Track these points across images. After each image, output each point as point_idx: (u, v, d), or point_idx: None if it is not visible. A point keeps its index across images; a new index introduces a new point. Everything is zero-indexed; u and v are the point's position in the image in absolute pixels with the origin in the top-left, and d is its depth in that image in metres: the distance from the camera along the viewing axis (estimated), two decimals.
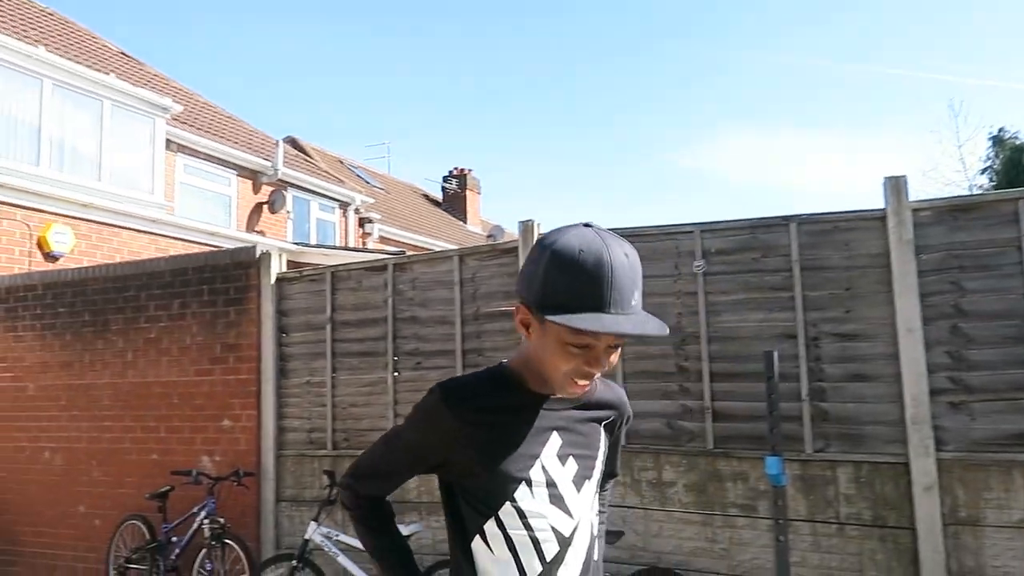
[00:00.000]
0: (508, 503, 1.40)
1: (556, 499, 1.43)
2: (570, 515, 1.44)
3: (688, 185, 46.76)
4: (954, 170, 24.78)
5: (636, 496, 4.65)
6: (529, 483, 1.40)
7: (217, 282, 6.07)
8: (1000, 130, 18.65)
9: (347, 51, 51.04)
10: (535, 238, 5.02)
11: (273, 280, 5.89)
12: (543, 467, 1.42)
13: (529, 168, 49.60)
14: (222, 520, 5.30)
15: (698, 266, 4.60)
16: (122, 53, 13.92)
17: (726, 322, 4.54)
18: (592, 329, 1.26)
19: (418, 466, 1.50)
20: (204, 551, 5.28)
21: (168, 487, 5.70)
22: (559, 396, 1.44)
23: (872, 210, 4.31)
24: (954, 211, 4.16)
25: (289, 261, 6.27)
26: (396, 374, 5.42)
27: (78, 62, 10.26)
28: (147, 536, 5.73)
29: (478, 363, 5.18)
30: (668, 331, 1.31)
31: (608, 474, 1.65)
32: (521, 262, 5.03)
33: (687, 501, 4.53)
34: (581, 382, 1.37)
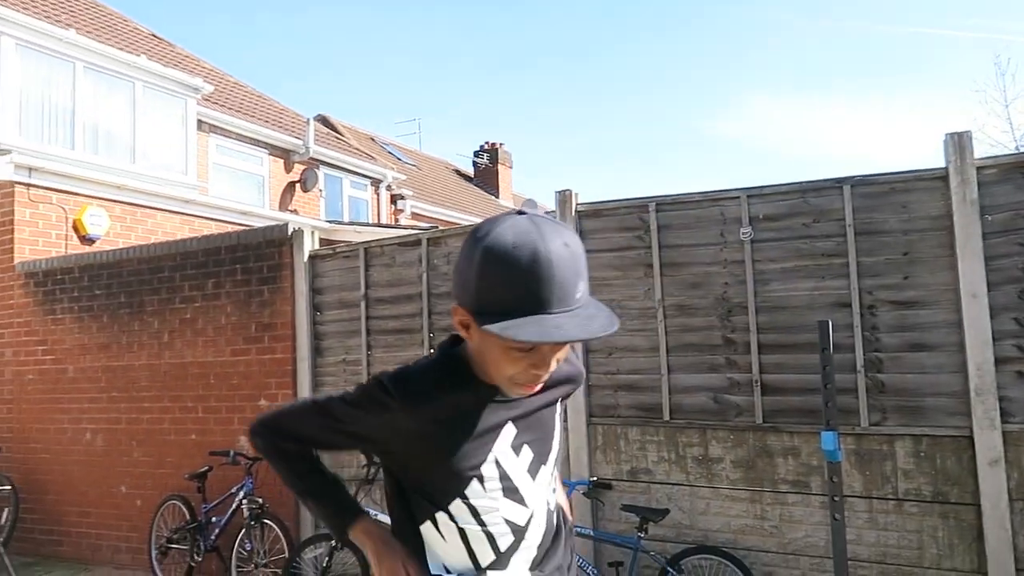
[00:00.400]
0: (459, 499, 1.34)
1: (510, 491, 1.37)
2: (524, 504, 1.38)
3: (726, 155, 45.95)
4: (1001, 131, 23.85)
5: (681, 472, 4.49)
6: (481, 479, 1.34)
7: (250, 261, 6.01)
8: None
9: (376, 28, 50.80)
10: (573, 209, 4.86)
11: (306, 258, 5.80)
12: (496, 461, 1.35)
13: (562, 141, 49.14)
14: (260, 500, 5.27)
15: (745, 233, 4.39)
16: (152, 35, 13.91)
17: (775, 291, 4.33)
18: (531, 340, 1.14)
19: (349, 446, 1.46)
20: (243, 531, 5.25)
21: (207, 467, 5.69)
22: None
23: (932, 169, 4.05)
24: (1022, 167, 3.89)
25: (322, 239, 6.18)
26: (432, 351, 5.28)
27: (109, 44, 10.23)
28: (187, 516, 5.73)
29: None
30: (617, 325, 1.19)
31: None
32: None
33: (735, 477, 4.36)
34: (529, 385, 1.29)
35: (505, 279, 1.15)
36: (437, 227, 9.99)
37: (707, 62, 47.61)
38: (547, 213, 1.27)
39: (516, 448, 1.36)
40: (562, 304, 1.15)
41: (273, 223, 7.07)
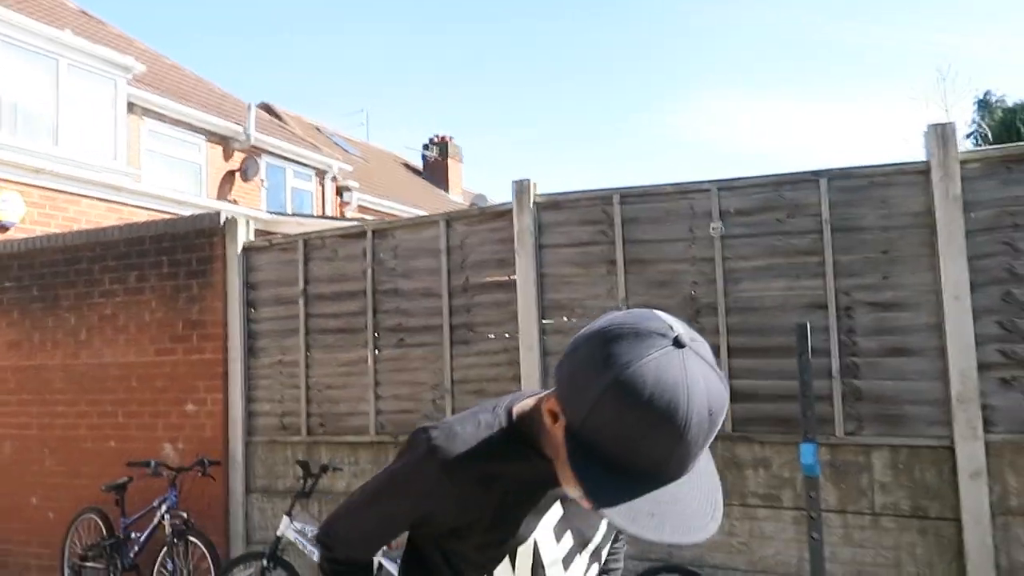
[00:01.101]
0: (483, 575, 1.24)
1: None
2: None
3: (684, 152, 46.17)
4: None
5: None
6: (513, 558, 1.22)
7: (178, 252, 5.50)
8: (986, 93, 18.23)
9: (326, 16, 49.70)
10: (531, 200, 4.50)
11: (240, 249, 5.32)
12: (535, 545, 1.23)
13: (517, 136, 48.79)
14: (185, 515, 4.79)
15: (715, 228, 4.10)
16: (82, 11, 13.11)
17: (747, 291, 4.05)
18: (635, 533, 0.94)
19: (406, 528, 1.31)
20: (165, 548, 4.77)
21: (126, 478, 5.18)
22: None
23: (914, 162, 3.82)
24: (1008, 162, 3.67)
25: (261, 231, 5.71)
26: (377, 352, 4.89)
27: (31, 17, 9.50)
28: (104, 532, 5.21)
29: (468, 339, 4.67)
30: (716, 527, 1.00)
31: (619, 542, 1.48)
32: (516, 227, 4.50)
33: None
34: None
35: (628, 428, 0.95)
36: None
37: (665, 57, 47.77)
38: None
39: (558, 533, 1.24)
40: (679, 473, 0.98)
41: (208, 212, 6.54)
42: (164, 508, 4.91)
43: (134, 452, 5.38)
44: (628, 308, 4.19)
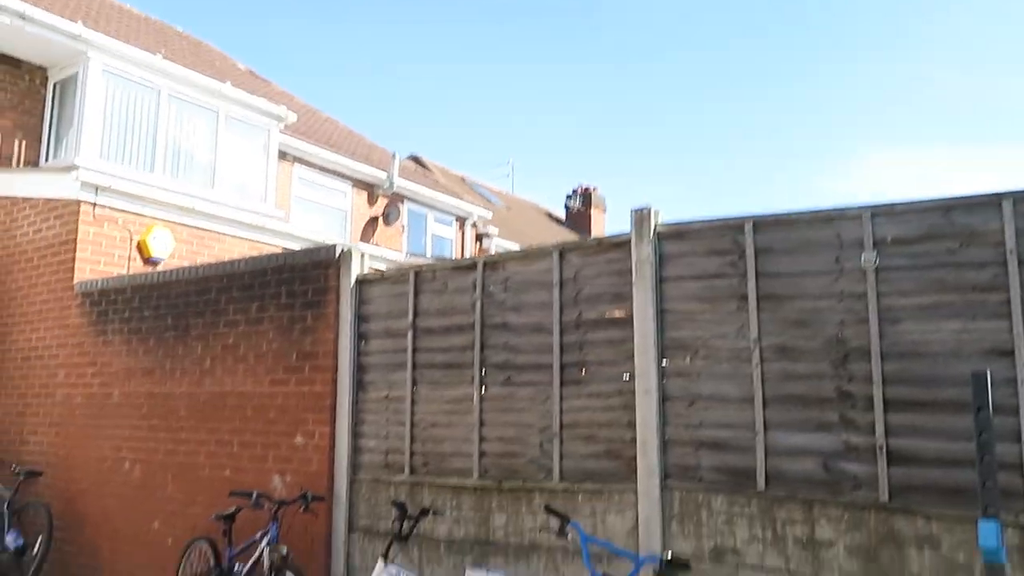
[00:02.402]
0: None
1: None
2: None
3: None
4: None
5: (779, 556, 3.55)
6: None
7: (295, 284, 5.48)
8: None
9: (473, 74, 51.65)
10: (652, 229, 4.08)
11: (353, 281, 5.22)
12: None
13: (659, 189, 48.07)
14: (285, 549, 4.61)
15: (868, 259, 3.50)
16: (249, 71, 14.09)
17: (908, 333, 3.40)
18: None
19: None
20: None
21: (235, 508, 5.10)
22: None
23: None
24: None
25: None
26: (483, 390, 4.57)
27: (196, 71, 10.22)
28: (212, 561, 5.14)
29: (579, 379, 4.25)
30: None
31: None
32: (635, 257, 4.09)
33: (851, 569, 3.39)
34: None
35: None
36: None
37: (823, 114, 45.79)
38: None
39: None
40: None
41: None
42: (265, 541, 4.77)
43: (245, 483, 5.32)
44: (761, 349, 3.65)
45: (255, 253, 8.59)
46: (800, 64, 45.63)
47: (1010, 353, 3.18)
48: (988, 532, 2.60)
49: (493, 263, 4.71)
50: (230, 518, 5.12)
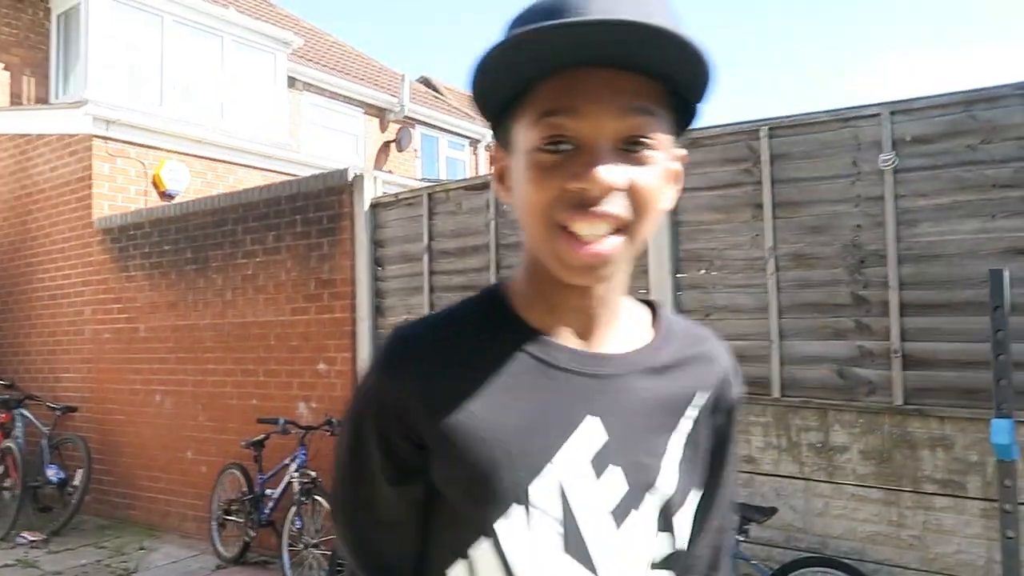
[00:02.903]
0: (483, 539, 0.75)
1: (574, 545, 0.75)
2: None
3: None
4: None
5: (794, 463, 3.60)
6: (527, 506, 0.74)
7: (310, 211, 5.48)
8: None
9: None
10: None
11: (367, 206, 5.21)
12: (559, 482, 0.75)
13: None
14: (313, 474, 4.76)
15: (886, 160, 3.41)
16: None
17: (925, 235, 3.34)
18: (532, 30, 0.64)
19: (404, 485, 0.80)
20: (294, 507, 4.77)
21: (264, 435, 5.25)
22: (595, 345, 0.81)
23: None
24: None
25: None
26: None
27: None
28: (244, 487, 5.33)
29: None
30: (700, 47, 0.65)
31: (709, 525, 0.88)
32: None
33: (864, 472, 3.44)
34: (578, 228, 0.70)
35: (520, 20, 0.71)
36: None
37: (836, 24, 44.00)
38: None
39: (598, 466, 0.77)
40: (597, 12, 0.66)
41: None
42: (294, 466, 4.92)
43: (273, 410, 5.45)
44: (776, 258, 3.62)
45: (269, 183, 8.60)
46: None
47: None
48: (1001, 429, 2.60)
49: None
50: (259, 445, 5.28)
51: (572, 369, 0.77)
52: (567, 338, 0.79)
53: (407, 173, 12.98)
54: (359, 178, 5.24)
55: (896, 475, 3.36)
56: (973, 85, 3.31)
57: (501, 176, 0.80)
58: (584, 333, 0.79)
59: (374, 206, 5.22)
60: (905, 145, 3.39)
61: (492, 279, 4.61)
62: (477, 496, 0.75)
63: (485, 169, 15.03)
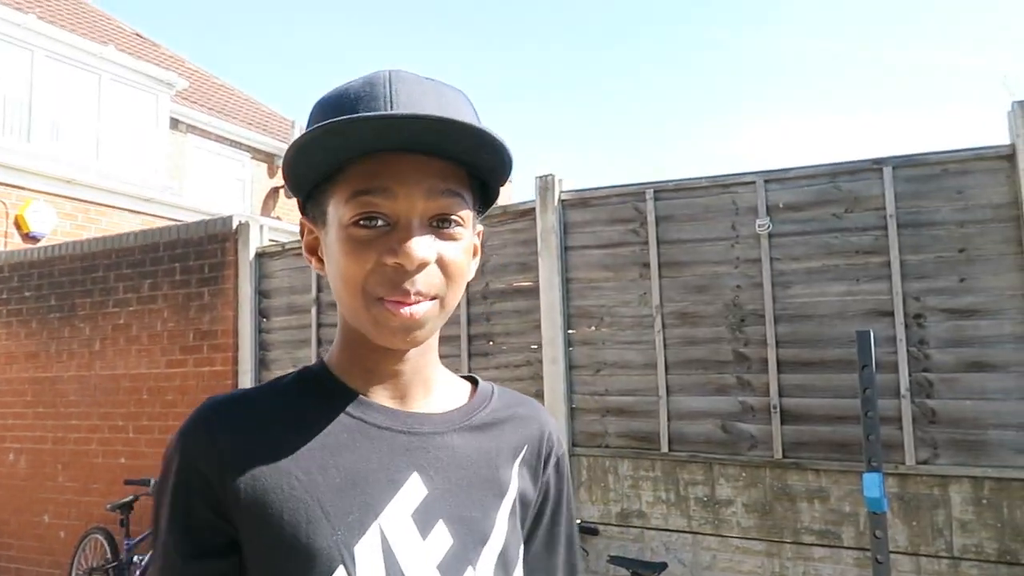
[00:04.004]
0: None
1: None
2: None
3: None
4: None
5: (682, 517, 3.68)
6: (351, 566, 0.72)
7: (191, 259, 5.25)
8: None
9: (374, 45, 50.45)
10: (556, 198, 4.09)
11: (252, 255, 5.04)
12: (383, 537, 0.75)
13: (562, 156, 48.50)
14: None
15: (762, 225, 3.61)
16: (136, 33, 13.30)
17: (798, 296, 3.54)
18: (354, 119, 0.70)
19: (208, 561, 0.74)
20: None
21: (132, 496, 4.89)
22: (411, 406, 0.83)
23: (995, 147, 3.28)
24: None
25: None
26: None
27: (75, 33, 9.56)
28: (108, 554, 4.93)
29: (487, 351, 4.26)
30: (499, 139, 0.73)
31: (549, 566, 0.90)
32: (540, 226, 4.10)
33: (748, 524, 3.55)
34: (392, 297, 0.74)
35: (328, 109, 0.77)
36: None
37: (712, 86, 46.99)
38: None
39: (422, 522, 0.76)
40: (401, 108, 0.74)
41: None
42: None
43: (144, 469, 5.11)
44: (663, 315, 3.73)
45: (147, 227, 8.20)
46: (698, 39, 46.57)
47: (890, 314, 3.36)
48: (872, 483, 2.75)
49: None
50: (127, 507, 4.91)
51: (392, 427, 0.79)
52: (384, 399, 0.81)
53: (296, 220, 12.71)
54: (244, 226, 5.08)
55: (778, 527, 3.49)
56: (837, 158, 3.58)
57: (312, 249, 0.84)
58: (401, 395, 0.82)
59: (260, 255, 5.06)
60: (779, 211, 3.61)
61: None
62: (298, 560, 0.72)
63: None
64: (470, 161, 0.76)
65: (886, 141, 36.07)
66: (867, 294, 3.42)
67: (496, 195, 0.84)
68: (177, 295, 5.25)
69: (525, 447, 0.87)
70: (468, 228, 0.79)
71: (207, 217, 8.96)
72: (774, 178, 3.63)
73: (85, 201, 7.78)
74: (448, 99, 0.77)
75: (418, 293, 0.74)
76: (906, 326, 3.32)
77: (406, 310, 0.73)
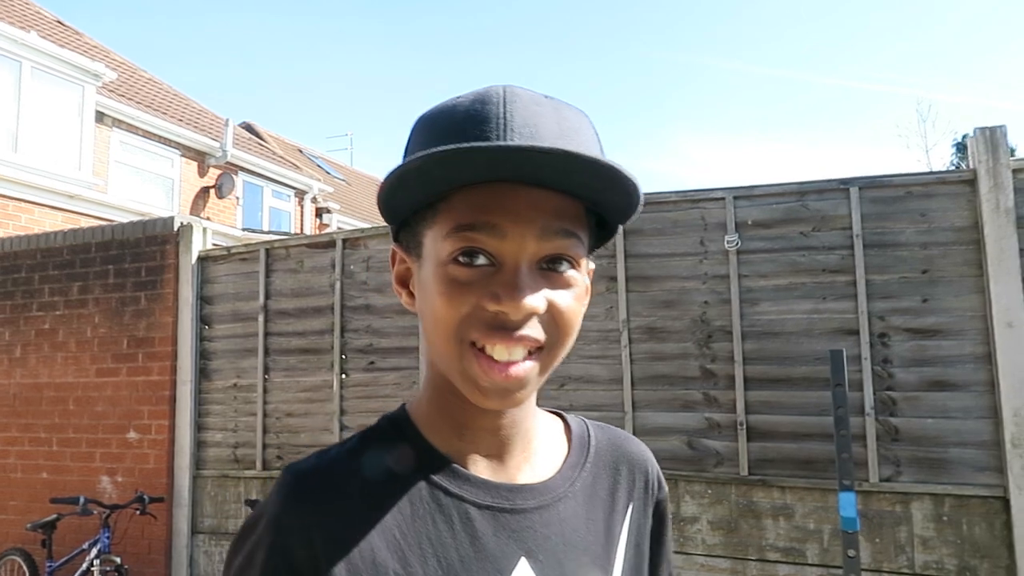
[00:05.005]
0: None
1: None
2: None
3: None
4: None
5: None
6: None
7: (126, 261, 4.94)
8: (964, 137, 18.69)
9: (311, 42, 49.57)
10: None
11: (194, 259, 4.78)
12: None
13: None
14: (118, 560, 4.17)
15: (730, 242, 3.61)
16: (58, 21, 12.61)
17: (766, 313, 3.56)
18: (451, 150, 0.59)
19: None
20: None
21: (55, 515, 4.54)
22: (511, 470, 0.73)
23: (958, 171, 3.36)
24: None
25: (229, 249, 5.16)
26: (344, 376, 4.34)
27: None
28: None
29: None
30: (631, 177, 0.62)
31: None
32: None
33: (713, 543, 3.53)
34: (495, 352, 0.64)
35: (436, 131, 0.66)
36: None
37: (636, 100, 47.94)
38: None
39: None
40: (516, 138, 0.63)
41: None
42: (95, 551, 4.29)
43: (68, 484, 4.77)
44: (630, 330, 3.69)
45: (70, 226, 7.73)
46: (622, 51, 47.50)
47: (855, 332, 3.40)
48: (848, 503, 2.76)
49: (354, 240, 4.46)
50: (50, 527, 4.55)
51: (493, 506, 0.70)
52: (480, 466, 0.72)
53: (227, 221, 12.26)
54: (187, 228, 4.82)
55: (743, 544, 3.47)
56: (805, 178, 3.61)
57: (404, 281, 0.74)
58: (497, 456, 0.73)
59: (203, 259, 4.81)
60: (747, 228, 3.62)
61: (336, 343, 4.36)
62: None
63: (311, 221, 14.55)
64: (592, 198, 0.67)
65: (803, 164, 37.47)
66: (833, 312, 3.45)
67: (614, 233, 0.74)
68: (110, 299, 4.93)
69: (638, 502, 0.80)
70: (581, 272, 0.69)
71: (135, 217, 8.53)
72: (743, 195, 3.64)
73: (3, 196, 7.28)
74: (570, 123, 0.67)
75: (522, 342, 0.64)
76: (871, 345, 3.37)
77: (505, 371, 0.64)
